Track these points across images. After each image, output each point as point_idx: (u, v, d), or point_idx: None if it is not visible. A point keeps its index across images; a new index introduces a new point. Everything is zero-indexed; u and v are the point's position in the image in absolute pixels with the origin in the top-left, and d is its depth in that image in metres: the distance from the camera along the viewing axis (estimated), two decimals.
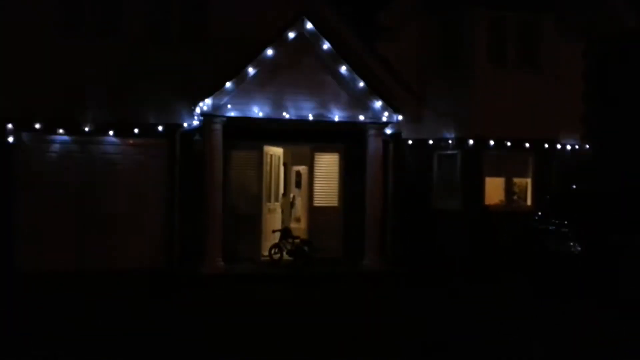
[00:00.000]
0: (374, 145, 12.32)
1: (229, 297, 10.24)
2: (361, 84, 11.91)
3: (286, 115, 11.81)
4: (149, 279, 11.48)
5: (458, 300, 10.18)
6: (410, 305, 9.79)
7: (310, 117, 11.91)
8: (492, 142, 13.06)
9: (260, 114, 11.74)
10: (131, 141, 12.41)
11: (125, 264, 12.07)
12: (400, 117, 12.23)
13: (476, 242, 12.86)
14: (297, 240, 12.61)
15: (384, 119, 12.13)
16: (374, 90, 12.02)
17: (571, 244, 10.39)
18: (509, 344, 7.53)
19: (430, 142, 13.50)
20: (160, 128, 12.34)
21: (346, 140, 13.09)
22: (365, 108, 12.07)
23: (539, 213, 11.71)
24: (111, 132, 12.22)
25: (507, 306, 9.75)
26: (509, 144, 13.12)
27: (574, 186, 11.99)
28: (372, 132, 12.29)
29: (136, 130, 12.27)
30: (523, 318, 8.89)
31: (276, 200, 13.85)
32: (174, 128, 12.42)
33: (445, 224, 13.20)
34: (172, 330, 7.96)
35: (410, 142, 13.58)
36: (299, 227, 15.93)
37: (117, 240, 12.26)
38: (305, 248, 12.51)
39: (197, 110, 11.57)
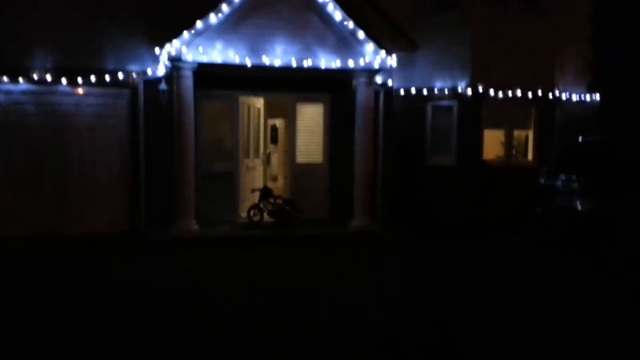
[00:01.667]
0: (364, 94, 11.04)
1: (201, 262, 9.11)
2: (350, 25, 10.55)
3: (266, 61, 10.42)
4: (111, 244, 10.21)
5: (454, 263, 9.18)
6: (403, 270, 8.73)
7: (293, 63, 10.54)
8: (491, 92, 11.92)
9: (237, 59, 10.33)
10: (84, 91, 10.86)
11: (86, 228, 10.74)
12: (393, 64, 10.94)
13: (473, 201, 11.84)
14: (279, 200, 11.40)
15: (376, 65, 10.82)
16: (365, 32, 10.68)
17: (580, 200, 9.48)
18: (513, 316, 6.55)
19: (424, 92, 12.29)
20: (120, 76, 10.83)
21: (332, 89, 11.78)
22: (355, 52, 10.74)
23: (545, 168, 10.71)
24: (64, 81, 10.66)
25: (507, 270, 8.76)
26: (509, 93, 11.98)
27: (581, 139, 11.02)
28: (362, 79, 10.99)
29: (93, 78, 10.74)
30: (525, 284, 7.91)
31: (256, 156, 12.55)
32: (136, 75, 10.92)
33: (440, 182, 12.13)
34: (129, 305, 6.75)
35: (401, 92, 12.33)
36: (276, 186, 14.70)
37: (76, 203, 10.88)
38: (288, 208, 11.32)
39: (164, 54, 10.12)
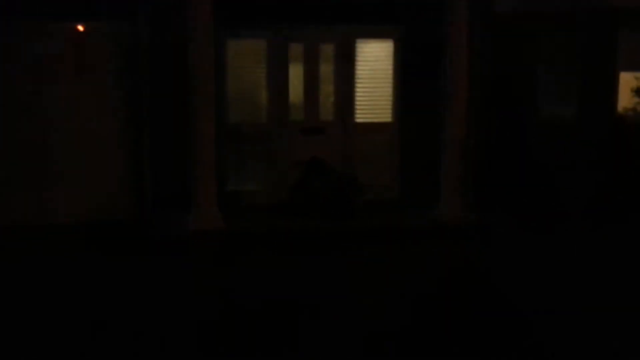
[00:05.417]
0: (458, 21, 7.68)
1: (230, 281, 6.16)
2: None
3: None
4: (94, 245, 7.33)
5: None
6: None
7: None
8: (631, 16, 8.43)
9: None
10: (70, 26, 7.90)
11: (72, 216, 7.98)
12: None
13: (605, 171, 8.51)
14: (334, 177, 8.22)
15: None
16: None
17: None
18: None
19: (532, 15, 8.77)
20: (109, 4, 7.83)
21: (405, 18, 8.47)
22: None
23: None
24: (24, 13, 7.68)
25: None
26: None
27: None
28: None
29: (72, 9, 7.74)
30: None
31: (332, 116, 8.85)
32: (134, 3, 7.87)
33: (554, 144, 8.77)
34: None
35: (497, 16, 8.88)
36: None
37: (57, 183, 8.04)
38: (346, 187, 8.18)
39: None
